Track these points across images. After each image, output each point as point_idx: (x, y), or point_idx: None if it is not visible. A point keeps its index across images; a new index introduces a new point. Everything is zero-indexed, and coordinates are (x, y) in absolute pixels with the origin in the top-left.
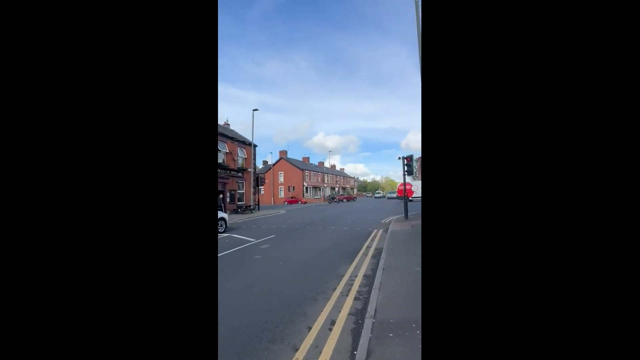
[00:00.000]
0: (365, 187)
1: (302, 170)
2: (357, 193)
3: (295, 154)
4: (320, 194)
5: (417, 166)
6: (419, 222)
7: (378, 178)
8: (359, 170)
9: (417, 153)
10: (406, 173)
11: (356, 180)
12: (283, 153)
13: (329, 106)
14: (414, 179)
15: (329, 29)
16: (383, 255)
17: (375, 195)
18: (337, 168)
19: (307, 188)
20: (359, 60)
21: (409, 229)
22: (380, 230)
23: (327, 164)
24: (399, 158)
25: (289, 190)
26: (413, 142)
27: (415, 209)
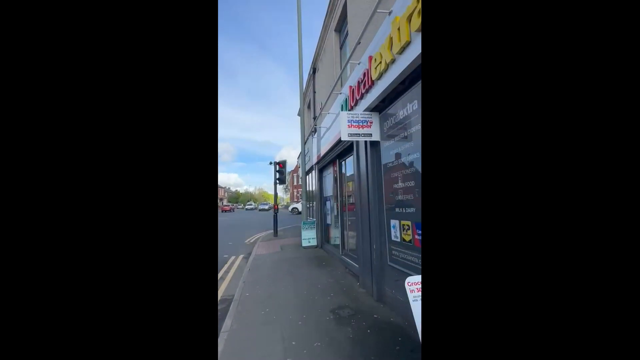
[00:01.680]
0: (237, 198)
1: None
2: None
3: None
4: None
5: (289, 178)
6: (290, 240)
7: (251, 189)
8: (232, 180)
9: (290, 167)
10: (277, 181)
11: (227, 190)
12: None
13: None
14: (286, 191)
15: None
16: (228, 320)
17: (247, 207)
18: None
19: None
20: (237, 68)
21: (277, 251)
22: (240, 257)
23: None
24: (270, 163)
25: None
26: (286, 156)
27: (287, 223)
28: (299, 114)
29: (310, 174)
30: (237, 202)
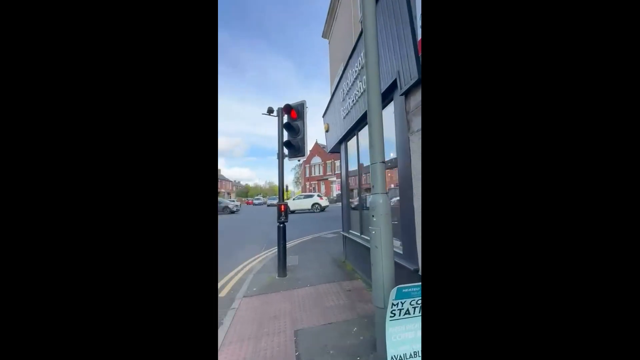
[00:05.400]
0: (247, 193)
1: None
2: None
3: None
4: None
5: (300, 171)
6: (326, 304)
7: (262, 183)
8: (245, 174)
9: (298, 162)
10: (286, 148)
11: (235, 184)
12: None
13: None
14: (297, 184)
15: None
16: None
17: (255, 201)
18: (223, 172)
19: None
20: (245, 62)
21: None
22: None
23: None
24: (269, 112)
25: None
26: (294, 160)
27: (298, 228)
28: (324, 35)
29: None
30: (246, 197)
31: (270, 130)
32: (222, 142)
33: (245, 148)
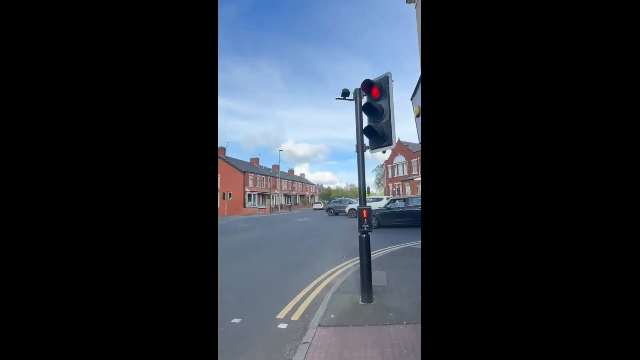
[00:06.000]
0: (329, 195)
1: (244, 172)
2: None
3: (265, 162)
4: (267, 203)
5: (382, 172)
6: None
7: (343, 186)
8: (327, 178)
9: (379, 163)
10: (366, 137)
11: (318, 187)
12: (221, 151)
13: (296, 115)
14: (379, 185)
15: (293, 40)
16: None
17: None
18: (307, 176)
19: (250, 195)
20: (324, 71)
21: None
22: None
23: (296, 172)
24: (344, 96)
25: (223, 199)
26: (378, 152)
27: (391, 237)
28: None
29: None
30: (329, 199)
31: (349, 133)
32: (305, 149)
33: (327, 153)
